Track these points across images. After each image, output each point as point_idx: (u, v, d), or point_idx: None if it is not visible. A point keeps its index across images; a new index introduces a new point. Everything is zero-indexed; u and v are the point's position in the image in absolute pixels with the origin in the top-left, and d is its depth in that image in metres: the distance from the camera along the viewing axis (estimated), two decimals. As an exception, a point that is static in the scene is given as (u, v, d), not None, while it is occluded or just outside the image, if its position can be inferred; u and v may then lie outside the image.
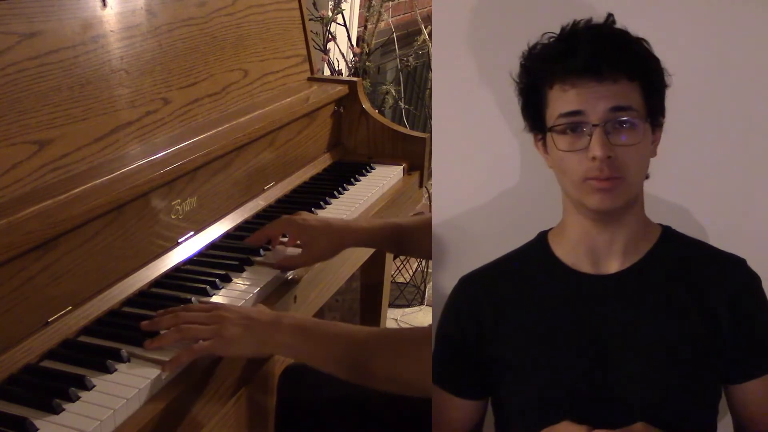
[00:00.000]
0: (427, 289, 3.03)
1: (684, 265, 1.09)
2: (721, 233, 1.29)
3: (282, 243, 1.54)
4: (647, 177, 1.10)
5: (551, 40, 1.05)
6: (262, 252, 1.52)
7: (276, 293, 1.44)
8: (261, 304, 1.32)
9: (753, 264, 1.10)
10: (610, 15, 1.04)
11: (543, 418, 1.07)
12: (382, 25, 2.82)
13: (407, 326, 2.78)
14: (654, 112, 1.05)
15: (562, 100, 1.02)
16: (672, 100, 1.09)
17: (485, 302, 1.12)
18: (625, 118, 1.01)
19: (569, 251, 1.10)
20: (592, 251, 1.08)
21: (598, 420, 1.04)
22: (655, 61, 1.05)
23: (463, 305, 1.15)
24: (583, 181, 1.02)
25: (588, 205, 1.03)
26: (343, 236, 1.50)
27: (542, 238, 1.14)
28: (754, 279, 1.09)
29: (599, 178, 1.01)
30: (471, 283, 1.16)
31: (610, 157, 1.00)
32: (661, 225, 1.12)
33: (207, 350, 1.17)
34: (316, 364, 1.21)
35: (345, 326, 1.20)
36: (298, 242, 1.52)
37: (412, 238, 1.51)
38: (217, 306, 1.24)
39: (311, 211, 1.73)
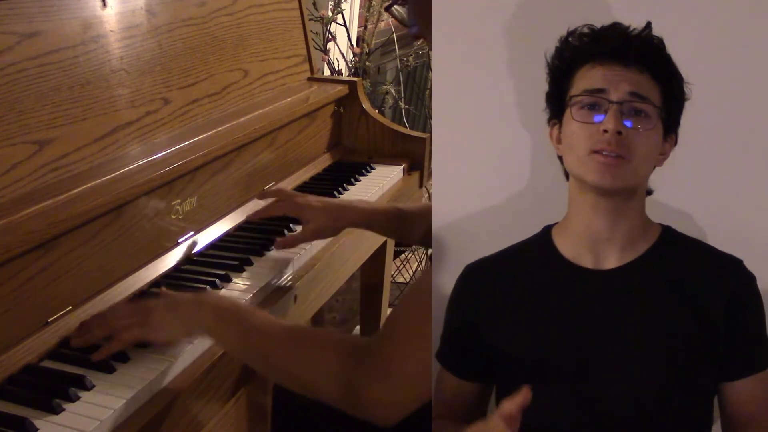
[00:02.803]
0: (427, 289, 3.03)
1: (681, 264, 1.10)
2: (721, 236, 1.29)
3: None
4: (650, 193, 1.13)
5: (590, 28, 1.13)
6: (263, 252, 1.52)
7: (276, 293, 1.44)
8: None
9: (750, 265, 1.10)
10: (648, 23, 1.10)
11: (535, 409, 1.07)
12: (382, 25, 2.82)
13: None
14: (669, 118, 1.09)
15: (587, 78, 1.09)
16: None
17: (485, 290, 1.15)
18: (641, 106, 1.06)
19: (571, 244, 1.12)
20: (593, 243, 1.10)
21: (590, 415, 1.06)
22: (679, 74, 1.11)
23: (464, 292, 1.18)
24: (588, 154, 1.05)
25: (589, 180, 1.06)
26: (341, 214, 1.54)
27: (546, 231, 1.16)
28: (751, 279, 1.10)
29: (604, 152, 1.04)
30: (474, 271, 1.19)
31: (620, 133, 1.04)
32: (661, 225, 1.13)
33: (136, 338, 1.18)
34: (228, 349, 1.23)
35: (263, 317, 1.20)
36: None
37: (412, 224, 1.54)
38: (144, 300, 1.26)
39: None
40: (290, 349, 1.15)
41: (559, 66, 1.13)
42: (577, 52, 1.11)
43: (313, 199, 1.56)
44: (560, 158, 1.14)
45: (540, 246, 1.15)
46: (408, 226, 1.56)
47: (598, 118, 1.06)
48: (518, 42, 1.38)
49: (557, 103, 1.12)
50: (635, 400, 1.05)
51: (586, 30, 1.12)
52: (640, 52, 1.08)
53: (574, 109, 1.08)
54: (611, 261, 1.10)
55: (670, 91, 1.09)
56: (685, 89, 1.11)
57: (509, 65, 1.39)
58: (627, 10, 1.19)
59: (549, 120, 1.15)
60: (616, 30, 1.11)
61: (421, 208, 1.58)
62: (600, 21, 1.13)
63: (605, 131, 1.04)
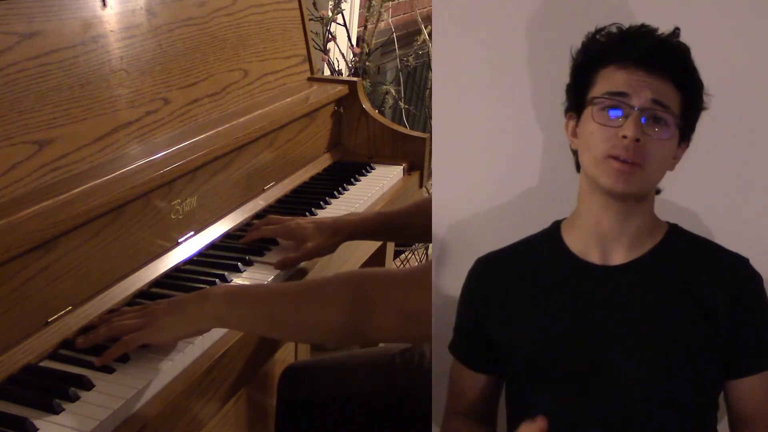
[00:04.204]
0: (427, 289, 3.02)
1: (686, 261, 1.11)
2: (727, 235, 1.29)
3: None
4: (659, 192, 1.13)
5: (618, 28, 1.13)
6: (263, 252, 1.52)
7: (276, 293, 1.44)
8: None
9: (756, 264, 1.11)
10: (677, 28, 1.11)
11: (543, 401, 1.09)
12: (382, 25, 2.82)
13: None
14: (686, 127, 1.10)
15: (612, 80, 1.08)
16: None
17: (495, 283, 1.16)
18: (661, 114, 1.06)
19: (579, 239, 1.13)
20: (601, 240, 1.11)
21: (595, 410, 1.06)
22: (701, 84, 1.11)
23: (475, 285, 1.19)
24: (605, 158, 1.06)
25: (602, 184, 1.07)
26: (335, 230, 1.54)
27: (555, 226, 1.17)
28: (756, 278, 1.10)
29: (621, 158, 1.04)
30: (485, 265, 1.20)
31: (638, 140, 1.05)
32: (668, 222, 1.14)
33: (140, 340, 1.17)
34: (246, 328, 1.24)
35: (271, 285, 1.24)
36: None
37: (404, 224, 1.56)
38: (148, 303, 1.25)
39: (311, 212, 1.73)
40: (308, 299, 1.17)
41: (582, 62, 1.13)
42: (603, 51, 1.11)
43: (304, 221, 1.57)
44: (573, 151, 1.14)
45: (549, 240, 1.16)
46: (401, 227, 1.57)
47: (614, 113, 1.06)
48: (524, 40, 1.38)
49: (576, 97, 1.13)
50: (641, 395, 1.05)
51: (614, 30, 1.11)
52: (666, 59, 1.08)
53: (595, 109, 1.08)
54: (618, 257, 1.10)
55: (690, 100, 1.09)
56: (704, 98, 1.11)
57: (513, 63, 1.39)
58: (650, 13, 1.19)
59: (566, 111, 1.15)
60: (644, 33, 1.10)
61: (411, 206, 1.60)
62: (619, 21, 1.12)
63: (624, 137, 1.04)
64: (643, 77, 1.07)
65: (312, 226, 1.54)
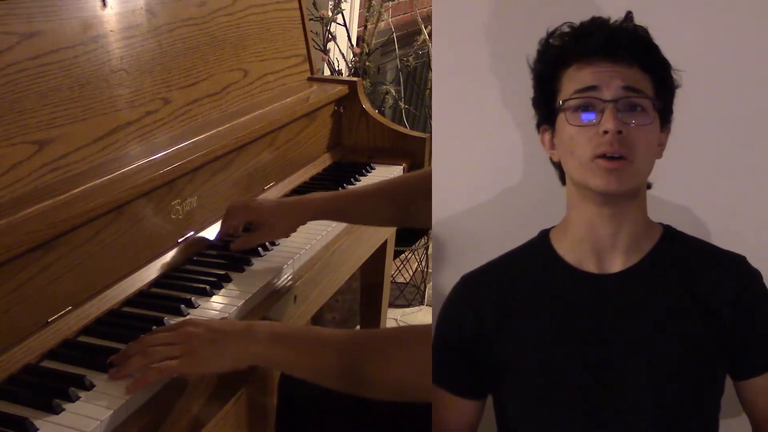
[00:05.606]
0: (427, 289, 3.03)
1: (685, 263, 1.09)
2: (722, 233, 1.29)
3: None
4: (650, 186, 1.11)
5: (570, 26, 1.09)
6: (261, 252, 1.52)
7: (276, 293, 1.44)
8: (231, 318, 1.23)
9: (753, 261, 1.10)
10: (629, 13, 1.07)
11: (544, 418, 1.07)
12: (382, 25, 2.82)
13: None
14: (663, 109, 1.07)
15: (577, 79, 1.05)
16: (675, 99, 1.10)
17: (488, 301, 1.12)
18: (636, 101, 1.03)
19: (572, 249, 1.10)
20: (596, 248, 1.08)
21: (600, 419, 1.05)
22: (667, 62, 1.08)
23: (465, 304, 1.14)
24: (591, 160, 1.02)
25: (593, 186, 1.03)
26: (297, 211, 1.53)
27: (544, 236, 1.14)
28: (755, 275, 1.09)
29: (608, 155, 1.01)
30: (473, 281, 1.15)
31: (621, 132, 1.01)
32: (662, 224, 1.12)
33: (176, 370, 1.11)
34: (299, 373, 1.16)
35: (324, 331, 1.16)
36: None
37: (374, 203, 1.53)
38: (185, 322, 1.18)
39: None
40: (383, 353, 1.10)
41: (542, 70, 1.09)
42: (560, 53, 1.07)
43: (266, 201, 1.56)
44: (554, 163, 1.11)
45: (540, 251, 1.12)
46: (371, 207, 1.54)
47: (587, 116, 1.03)
48: (504, 41, 1.38)
49: (546, 108, 1.09)
50: (644, 400, 1.04)
51: (566, 29, 1.08)
52: (628, 44, 1.04)
53: (569, 113, 1.05)
54: (617, 264, 1.08)
55: (661, 81, 1.06)
56: (674, 76, 1.08)
57: (514, 63, 1.38)
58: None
59: (538, 126, 1.11)
60: (598, 25, 1.07)
61: (382, 184, 1.57)
62: (587, 14, 1.09)
63: (605, 132, 1.01)
64: (609, 68, 1.04)
65: (273, 206, 1.53)
